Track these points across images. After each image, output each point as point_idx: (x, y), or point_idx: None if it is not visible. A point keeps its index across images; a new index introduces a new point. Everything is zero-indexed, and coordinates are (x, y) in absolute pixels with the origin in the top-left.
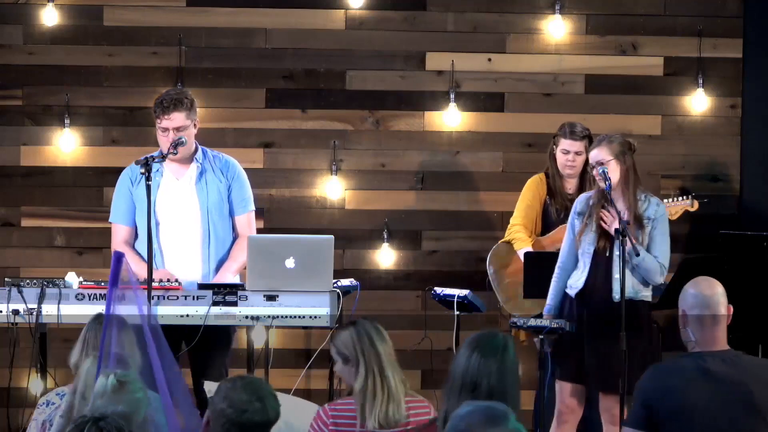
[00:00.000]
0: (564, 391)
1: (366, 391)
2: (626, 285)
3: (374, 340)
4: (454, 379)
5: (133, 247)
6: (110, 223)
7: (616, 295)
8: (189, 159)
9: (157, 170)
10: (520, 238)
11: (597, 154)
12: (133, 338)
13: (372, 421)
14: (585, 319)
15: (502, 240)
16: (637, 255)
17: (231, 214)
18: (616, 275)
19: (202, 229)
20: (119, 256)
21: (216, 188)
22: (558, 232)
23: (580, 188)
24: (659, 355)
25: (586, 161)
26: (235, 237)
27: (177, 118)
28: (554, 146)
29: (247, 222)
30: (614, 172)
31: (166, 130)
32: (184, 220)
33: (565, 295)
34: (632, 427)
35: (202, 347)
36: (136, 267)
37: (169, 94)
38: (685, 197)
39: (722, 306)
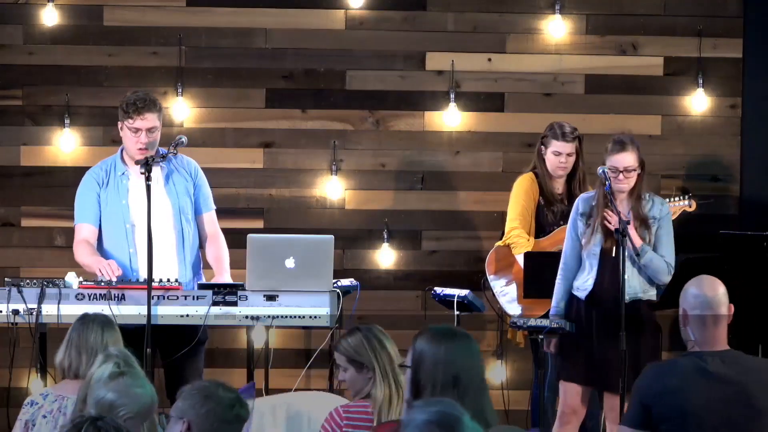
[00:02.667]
0: (569, 392)
1: (384, 397)
2: (634, 285)
3: (384, 343)
4: (430, 376)
5: (97, 248)
6: (74, 225)
7: (628, 296)
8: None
9: (123, 173)
10: (520, 243)
11: (625, 158)
12: (119, 338)
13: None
14: (595, 319)
15: (501, 243)
16: (638, 255)
17: (196, 213)
18: (626, 276)
19: (176, 230)
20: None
21: (184, 188)
22: (558, 233)
23: (568, 188)
24: (660, 354)
25: (575, 162)
26: (204, 237)
27: (150, 119)
28: (543, 147)
29: (212, 220)
30: (635, 177)
31: (138, 130)
32: (157, 222)
33: (571, 296)
34: (629, 426)
35: (178, 347)
36: (88, 259)
37: (139, 95)
38: (683, 197)
39: (724, 306)
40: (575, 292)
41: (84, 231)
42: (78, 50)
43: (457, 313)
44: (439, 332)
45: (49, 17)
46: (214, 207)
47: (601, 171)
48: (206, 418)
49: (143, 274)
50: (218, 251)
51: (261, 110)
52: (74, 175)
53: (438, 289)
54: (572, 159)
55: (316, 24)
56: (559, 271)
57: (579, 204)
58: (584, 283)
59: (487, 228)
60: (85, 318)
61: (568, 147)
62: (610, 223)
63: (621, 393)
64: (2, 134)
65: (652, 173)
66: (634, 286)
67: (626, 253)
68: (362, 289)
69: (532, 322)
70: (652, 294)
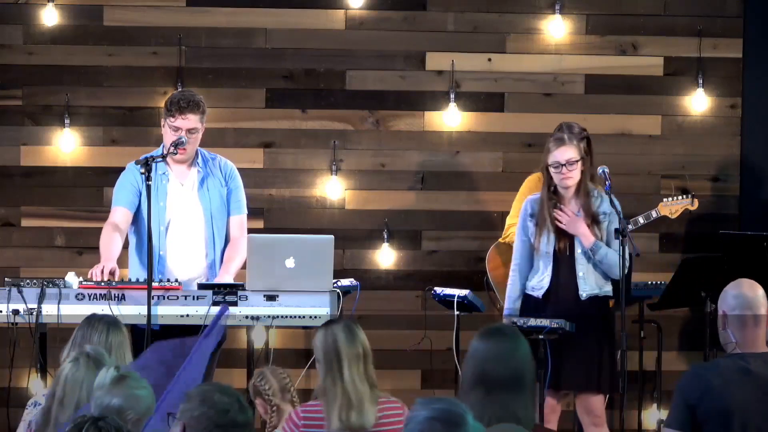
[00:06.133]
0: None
1: (325, 392)
2: (591, 282)
3: (338, 341)
4: (465, 374)
5: (136, 245)
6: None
7: (583, 294)
8: (191, 163)
9: (164, 173)
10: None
11: (564, 152)
12: (124, 340)
13: (336, 422)
14: (553, 318)
15: (501, 240)
16: (638, 255)
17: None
18: (580, 273)
19: (206, 233)
20: (224, 310)
21: (218, 193)
22: None
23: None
24: (615, 349)
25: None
26: (228, 239)
27: (192, 120)
28: None
29: (240, 224)
30: (578, 171)
31: (178, 129)
32: (189, 223)
33: (526, 296)
34: (673, 429)
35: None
36: (101, 252)
37: (185, 94)
38: (684, 196)
39: (763, 307)
40: (530, 292)
41: (116, 214)
42: (78, 50)
43: (457, 313)
44: (482, 331)
45: (49, 17)
46: (246, 211)
47: (601, 171)
48: (199, 421)
49: (174, 271)
50: (232, 252)
51: (261, 110)
52: (74, 175)
53: (438, 289)
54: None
55: (316, 24)
56: (512, 272)
57: (527, 206)
58: (539, 283)
59: (487, 228)
60: (91, 318)
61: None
62: (561, 222)
63: (615, 393)
64: (2, 134)
65: (652, 173)
66: (591, 283)
67: (580, 250)
68: (362, 289)
69: (532, 322)
70: (608, 290)
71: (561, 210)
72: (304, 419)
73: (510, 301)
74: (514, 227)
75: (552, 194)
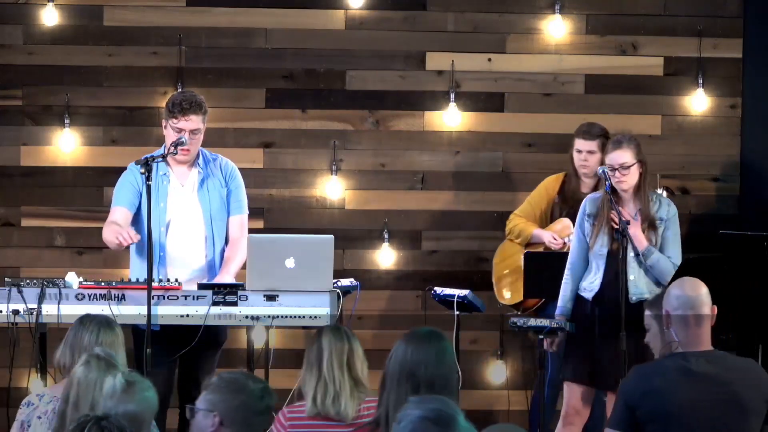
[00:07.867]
0: (573, 393)
1: (304, 382)
2: (641, 285)
3: (323, 337)
4: (392, 372)
5: (135, 247)
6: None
7: (633, 297)
8: (192, 164)
9: (165, 174)
10: (514, 222)
11: (620, 156)
12: (116, 340)
13: (310, 405)
14: (601, 319)
15: (507, 238)
16: (637, 255)
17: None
18: (632, 276)
19: (206, 234)
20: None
21: (218, 194)
22: (556, 224)
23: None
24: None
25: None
26: (227, 239)
27: (195, 121)
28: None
29: (240, 224)
30: (634, 175)
31: (181, 130)
32: (189, 224)
33: (577, 296)
34: (614, 429)
35: (196, 345)
36: (109, 236)
37: (186, 95)
38: None
39: (706, 306)
40: (582, 293)
41: (116, 214)
42: (78, 50)
43: (457, 313)
44: (412, 333)
45: (49, 17)
46: (247, 212)
47: (601, 171)
48: (237, 411)
49: (174, 272)
50: (232, 252)
51: (261, 110)
52: (74, 175)
53: (438, 289)
54: (594, 157)
55: (316, 24)
56: (566, 272)
57: (586, 204)
58: (591, 284)
59: (487, 228)
60: (84, 318)
61: (587, 144)
62: (616, 223)
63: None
64: (2, 134)
65: (652, 173)
66: (641, 286)
67: (632, 254)
68: (362, 289)
69: (532, 322)
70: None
71: (617, 211)
72: (290, 419)
73: (563, 300)
74: (515, 219)
75: (612, 195)
